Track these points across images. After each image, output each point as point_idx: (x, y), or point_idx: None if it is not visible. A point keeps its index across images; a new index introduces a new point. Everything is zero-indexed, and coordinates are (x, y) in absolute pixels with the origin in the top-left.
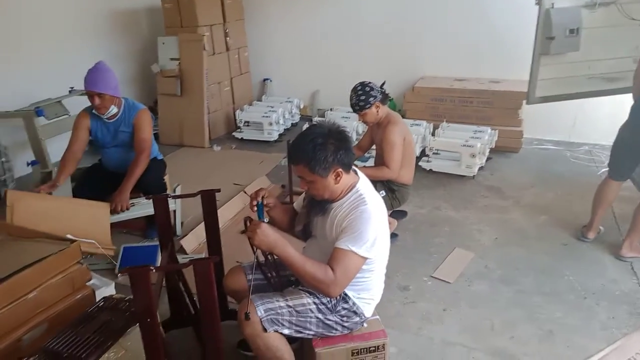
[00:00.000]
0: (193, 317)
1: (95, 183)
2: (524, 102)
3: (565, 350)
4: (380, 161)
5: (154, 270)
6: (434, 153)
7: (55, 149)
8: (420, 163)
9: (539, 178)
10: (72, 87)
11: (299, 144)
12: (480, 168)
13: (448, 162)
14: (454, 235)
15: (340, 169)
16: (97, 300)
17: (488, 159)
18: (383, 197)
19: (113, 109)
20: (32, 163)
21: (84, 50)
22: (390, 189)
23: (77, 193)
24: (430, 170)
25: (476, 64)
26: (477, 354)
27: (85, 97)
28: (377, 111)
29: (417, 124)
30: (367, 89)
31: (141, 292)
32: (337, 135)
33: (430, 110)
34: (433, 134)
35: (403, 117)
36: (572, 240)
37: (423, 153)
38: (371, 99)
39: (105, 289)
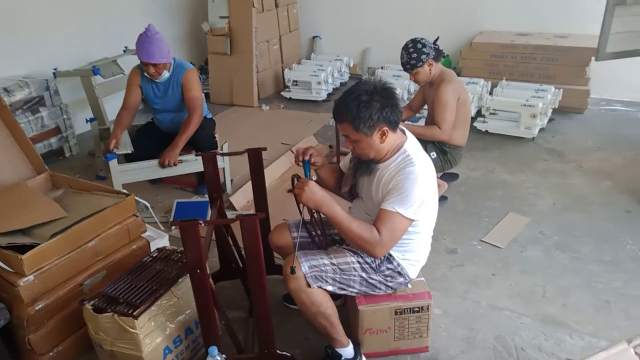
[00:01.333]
0: (241, 270)
1: (149, 141)
2: (593, 58)
3: (622, 321)
4: (432, 122)
5: (202, 225)
6: (490, 113)
7: (112, 106)
8: (475, 124)
9: (605, 141)
10: (126, 47)
11: (344, 101)
12: (541, 130)
13: (506, 122)
14: (507, 200)
15: (386, 128)
16: (152, 250)
17: (550, 120)
18: (434, 159)
19: (165, 74)
20: (91, 120)
21: (137, 10)
22: (441, 151)
23: (135, 144)
24: (486, 131)
25: (541, 17)
26: (526, 319)
27: None
28: (430, 69)
29: (473, 82)
30: (419, 45)
31: (191, 245)
32: (383, 92)
33: (489, 67)
34: (490, 93)
35: (458, 74)
36: (638, 207)
37: (479, 113)
38: (423, 56)
39: (160, 241)
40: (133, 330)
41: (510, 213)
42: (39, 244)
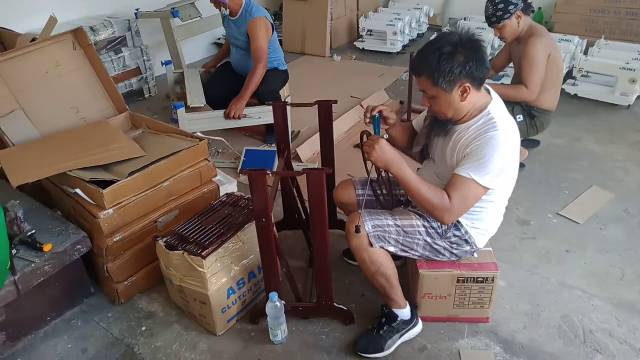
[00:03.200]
0: (303, 222)
1: (221, 82)
2: None
3: None
4: (518, 81)
5: (270, 175)
6: (582, 75)
7: (189, 49)
8: (563, 86)
9: None
10: None
11: (424, 52)
12: (639, 97)
13: (599, 87)
14: (592, 172)
15: (468, 84)
16: (221, 195)
17: None
18: (519, 122)
19: (229, 9)
20: (166, 63)
21: None
22: (529, 114)
23: (206, 90)
24: (575, 95)
25: None
26: (598, 302)
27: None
28: (518, 23)
29: (566, 40)
30: None
31: (258, 193)
32: (469, 44)
33: (586, 23)
34: (585, 53)
35: (550, 30)
36: None
37: (569, 75)
38: (511, 7)
39: (229, 186)
40: (200, 269)
41: (593, 186)
42: (119, 180)
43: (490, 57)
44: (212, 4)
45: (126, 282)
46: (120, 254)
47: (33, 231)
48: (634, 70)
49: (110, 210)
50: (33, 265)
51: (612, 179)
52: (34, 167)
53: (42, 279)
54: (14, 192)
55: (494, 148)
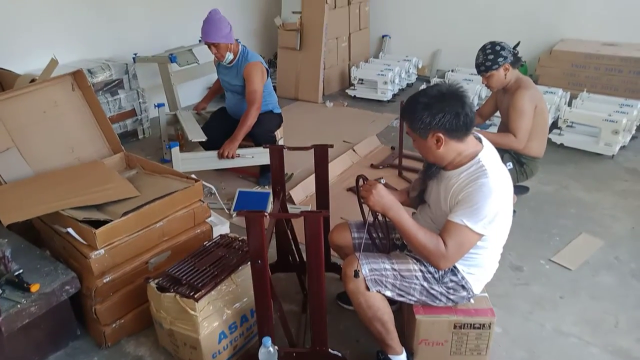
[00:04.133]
0: (297, 264)
1: (217, 126)
2: None
3: None
4: (505, 130)
5: (267, 216)
6: (567, 126)
7: (185, 93)
8: (550, 136)
9: None
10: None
11: (410, 99)
12: (622, 147)
13: (584, 137)
14: (581, 219)
15: (441, 134)
16: (214, 236)
17: (633, 137)
18: (510, 170)
19: (229, 56)
20: (158, 105)
21: (214, 2)
22: (518, 162)
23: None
24: (562, 144)
25: (630, 26)
26: (594, 349)
27: None
28: (505, 75)
29: (551, 92)
30: (498, 47)
31: (255, 235)
32: (448, 97)
33: (569, 77)
34: (569, 104)
35: (535, 83)
36: None
37: (554, 125)
38: (500, 59)
39: (221, 227)
40: (193, 312)
41: (583, 233)
42: (112, 220)
43: (477, 107)
44: (213, 52)
45: (114, 325)
46: (109, 296)
47: (21, 271)
48: (616, 122)
49: (102, 251)
50: (19, 306)
51: (601, 226)
52: (26, 206)
53: (27, 320)
54: (2, 231)
55: (486, 195)
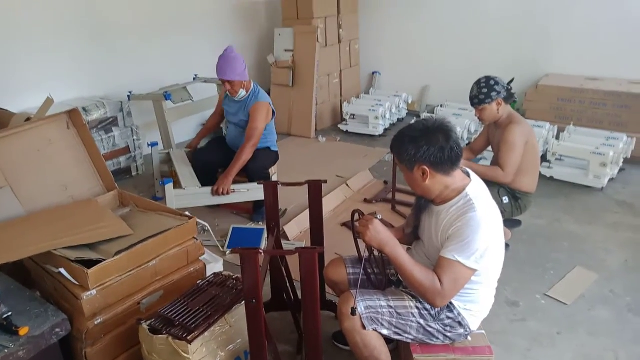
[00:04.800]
0: (292, 303)
1: (213, 151)
2: None
3: None
4: (496, 165)
5: (262, 254)
6: (556, 159)
7: (179, 130)
8: (540, 169)
9: None
10: (196, 75)
11: (399, 132)
12: (611, 180)
13: (573, 170)
14: (575, 252)
15: (426, 167)
16: (208, 274)
17: (620, 170)
18: (506, 204)
19: (242, 92)
20: (152, 144)
21: (208, 42)
22: (514, 196)
23: (197, 155)
24: (551, 177)
25: (613, 61)
26: None
27: (207, 84)
28: (498, 109)
29: (538, 126)
30: (492, 82)
31: (249, 273)
32: (434, 132)
33: (555, 111)
34: (557, 138)
35: (522, 117)
36: None
37: (543, 158)
38: (494, 93)
39: (215, 265)
40: (186, 355)
41: (577, 267)
42: (105, 260)
43: (468, 142)
44: (226, 88)
45: None
46: (100, 338)
47: (9, 313)
48: (604, 154)
49: (94, 291)
50: (6, 351)
51: (594, 260)
52: (18, 246)
53: None
54: None
55: (475, 229)
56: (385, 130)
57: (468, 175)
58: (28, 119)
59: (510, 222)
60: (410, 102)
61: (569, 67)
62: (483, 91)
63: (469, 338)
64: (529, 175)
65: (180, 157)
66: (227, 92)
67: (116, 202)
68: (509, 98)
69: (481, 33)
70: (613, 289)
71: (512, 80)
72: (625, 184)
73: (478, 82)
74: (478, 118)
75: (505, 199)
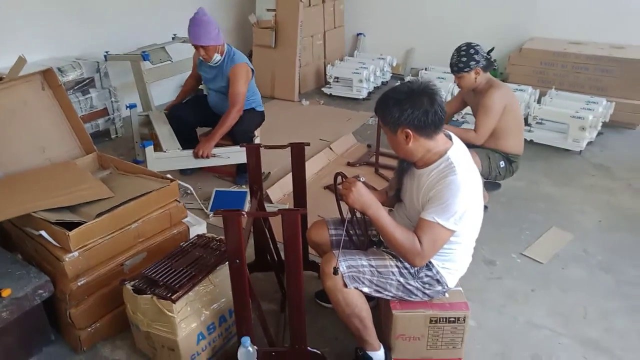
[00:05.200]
0: (276, 263)
1: (193, 108)
2: None
3: None
4: None
5: (245, 215)
6: (537, 122)
7: (159, 92)
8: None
9: None
10: (174, 34)
11: (384, 95)
12: (589, 143)
13: (552, 133)
14: (551, 213)
15: (409, 130)
16: (191, 237)
17: (599, 134)
18: (502, 168)
19: (217, 57)
20: (130, 106)
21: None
22: (508, 160)
23: (174, 110)
24: (532, 141)
25: (596, 25)
26: (565, 340)
27: (186, 45)
28: (476, 78)
29: (521, 90)
30: (472, 51)
31: (232, 234)
32: (419, 95)
33: (538, 75)
34: (538, 102)
35: (505, 81)
36: None
37: (525, 122)
38: (472, 62)
39: (198, 227)
40: (170, 314)
41: (553, 227)
42: (86, 222)
43: None
44: (200, 54)
45: (89, 329)
46: (84, 299)
47: None
48: (583, 118)
49: (76, 253)
50: None
51: (569, 220)
52: None
53: None
54: None
55: (454, 192)
56: (369, 93)
57: (450, 138)
58: (0, 79)
59: (489, 185)
60: (394, 65)
61: (554, 31)
62: (462, 59)
63: (447, 295)
64: (514, 137)
65: (160, 119)
66: (201, 58)
67: (95, 164)
68: (488, 67)
69: None
70: (586, 249)
71: (492, 50)
72: (602, 148)
73: (458, 50)
74: (457, 85)
75: (502, 163)
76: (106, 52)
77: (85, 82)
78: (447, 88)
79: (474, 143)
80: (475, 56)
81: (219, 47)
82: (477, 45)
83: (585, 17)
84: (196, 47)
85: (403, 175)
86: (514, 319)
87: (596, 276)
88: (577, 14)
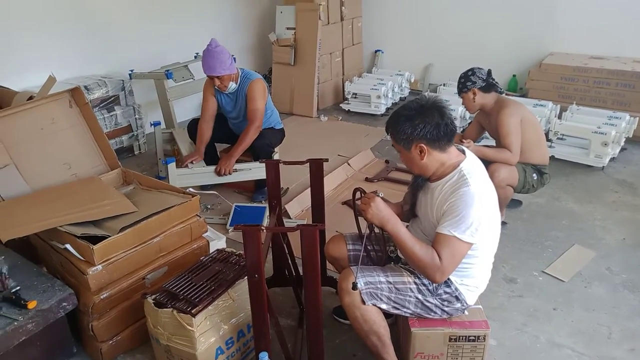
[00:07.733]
0: (294, 279)
1: (217, 128)
2: None
3: None
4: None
5: (264, 230)
6: (558, 138)
7: (181, 109)
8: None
9: None
10: (197, 53)
11: (394, 113)
12: (612, 159)
13: (574, 149)
14: (573, 230)
15: (424, 145)
16: (211, 251)
17: (622, 149)
18: (535, 180)
19: (232, 85)
20: (154, 124)
21: (209, 19)
22: (539, 172)
23: (191, 125)
24: (553, 156)
25: (617, 40)
26: None
27: None
28: (473, 98)
29: (541, 105)
30: (469, 73)
31: (252, 249)
32: (429, 110)
33: (558, 90)
34: (559, 117)
35: (525, 96)
36: None
37: (545, 137)
38: (469, 83)
39: (218, 242)
40: (190, 328)
41: (575, 245)
42: (110, 236)
43: (461, 129)
44: (216, 84)
45: (111, 342)
46: (106, 312)
47: (18, 288)
48: (606, 134)
49: (99, 267)
50: (16, 323)
51: (592, 238)
52: (24, 222)
53: (23, 338)
54: None
55: (469, 203)
56: (387, 109)
57: (463, 152)
58: (30, 98)
59: (511, 202)
60: (412, 80)
61: (574, 46)
62: (461, 81)
63: (466, 312)
64: (538, 149)
65: (183, 137)
66: (217, 87)
67: (119, 180)
68: (488, 88)
69: (485, 10)
70: (610, 267)
71: (489, 72)
72: (626, 164)
73: (461, 74)
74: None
75: (534, 176)
76: (131, 70)
77: (110, 100)
78: (461, 109)
79: (511, 163)
80: (472, 77)
81: (233, 75)
82: (480, 68)
83: (606, 32)
84: (211, 77)
85: (417, 191)
86: (535, 338)
87: (620, 295)
88: (597, 29)
